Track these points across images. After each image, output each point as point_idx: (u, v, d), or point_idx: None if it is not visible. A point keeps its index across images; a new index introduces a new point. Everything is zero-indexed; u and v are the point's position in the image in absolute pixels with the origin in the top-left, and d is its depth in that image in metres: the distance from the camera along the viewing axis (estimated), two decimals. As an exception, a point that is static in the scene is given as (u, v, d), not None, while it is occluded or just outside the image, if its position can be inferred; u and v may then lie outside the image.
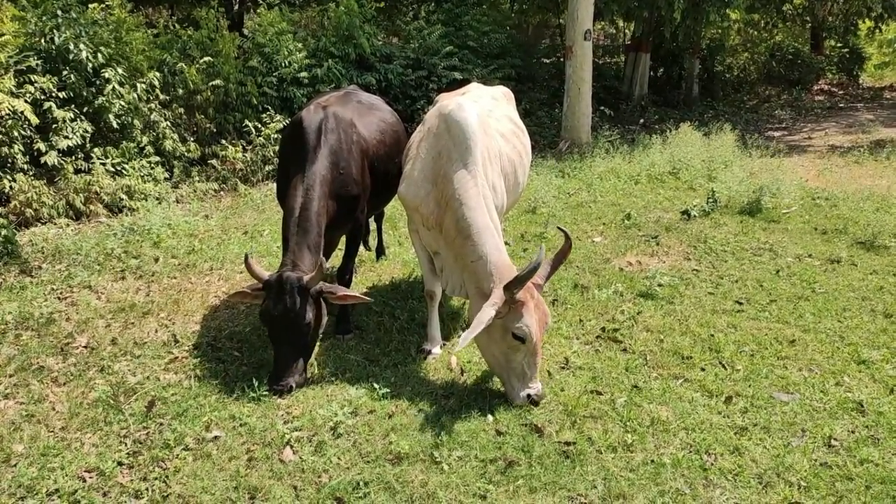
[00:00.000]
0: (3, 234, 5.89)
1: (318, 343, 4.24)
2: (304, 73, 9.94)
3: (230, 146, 8.85)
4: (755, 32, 19.53)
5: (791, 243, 6.53)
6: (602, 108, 13.37)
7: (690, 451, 3.39)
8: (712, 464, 3.30)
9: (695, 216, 7.32)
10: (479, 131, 4.03)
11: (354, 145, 4.52)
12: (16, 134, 6.84)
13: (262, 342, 4.52)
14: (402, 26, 13.55)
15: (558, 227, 4.09)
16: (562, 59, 13.45)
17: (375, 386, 3.97)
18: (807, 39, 20.73)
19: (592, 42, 11.03)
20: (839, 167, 9.92)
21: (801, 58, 19.07)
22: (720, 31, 16.43)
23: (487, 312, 3.49)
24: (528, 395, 3.69)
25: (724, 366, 4.23)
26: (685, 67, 16.34)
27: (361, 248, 5.64)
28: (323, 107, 4.52)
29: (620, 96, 14.93)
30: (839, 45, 20.26)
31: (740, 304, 5.15)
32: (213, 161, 8.76)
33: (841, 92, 18.87)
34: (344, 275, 4.81)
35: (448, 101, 4.25)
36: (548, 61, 15.79)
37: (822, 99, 17.79)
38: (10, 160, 6.88)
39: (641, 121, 13.80)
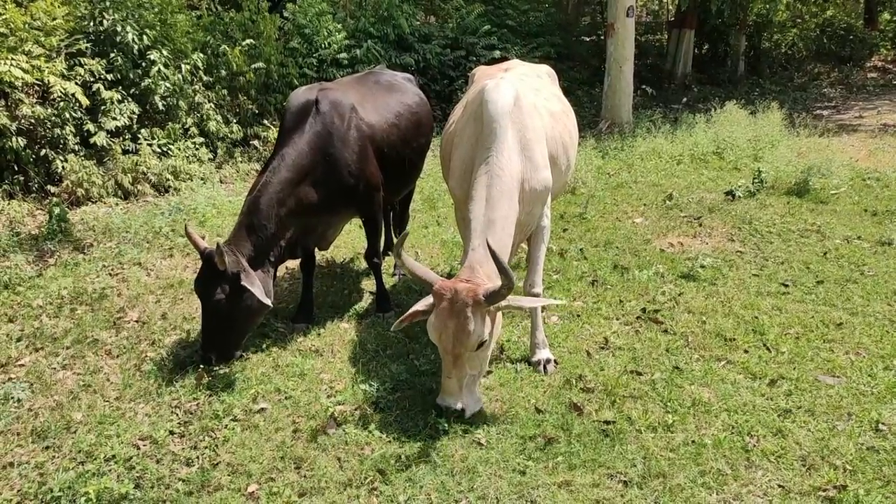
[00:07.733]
0: (56, 212, 6.11)
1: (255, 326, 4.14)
2: (343, 54, 9.98)
3: (272, 127, 8.97)
4: (804, 7, 18.83)
5: (839, 225, 6.35)
6: (644, 86, 13.10)
7: (732, 433, 3.37)
8: (754, 445, 3.27)
9: (739, 197, 7.17)
10: (509, 115, 3.66)
11: (354, 131, 4.29)
12: (67, 115, 7.04)
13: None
14: (440, 5, 13.44)
15: (491, 252, 3.21)
16: (603, 37, 13.20)
17: (416, 363, 4.04)
18: (860, 13, 19.91)
19: (635, 19, 10.79)
20: (892, 147, 9.56)
21: (853, 33, 18.34)
22: (768, 5, 15.90)
23: (423, 300, 3.45)
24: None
25: (768, 348, 4.17)
26: (731, 44, 15.87)
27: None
28: (319, 89, 4.32)
29: (663, 75, 14.61)
30: (895, 19, 19.41)
31: (786, 286, 5.05)
32: (255, 142, 8.89)
33: (896, 69, 18.11)
34: (371, 258, 4.77)
35: (488, 80, 3.98)
36: (588, 39, 15.54)
37: (875, 76, 17.09)
38: (62, 141, 7.10)
39: (685, 100, 13.49)
